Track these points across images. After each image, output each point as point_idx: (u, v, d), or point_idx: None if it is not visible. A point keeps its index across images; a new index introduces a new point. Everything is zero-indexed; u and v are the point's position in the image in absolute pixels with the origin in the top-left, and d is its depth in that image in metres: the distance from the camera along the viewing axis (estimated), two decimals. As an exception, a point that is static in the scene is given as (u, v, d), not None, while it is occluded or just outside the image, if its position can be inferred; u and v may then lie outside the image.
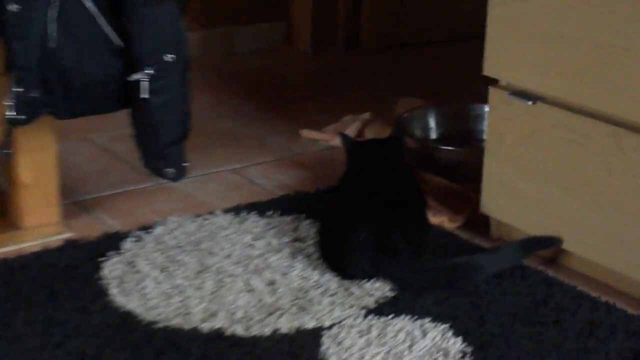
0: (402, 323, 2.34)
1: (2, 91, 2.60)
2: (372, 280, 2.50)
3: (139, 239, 2.71)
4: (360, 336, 2.29)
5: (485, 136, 2.74)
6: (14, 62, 2.48)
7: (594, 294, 2.48)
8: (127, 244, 2.68)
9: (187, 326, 2.31)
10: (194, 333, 2.29)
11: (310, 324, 2.33)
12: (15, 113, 2.53)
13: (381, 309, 2.40)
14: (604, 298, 2.46)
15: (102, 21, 2.51)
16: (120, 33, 2.55)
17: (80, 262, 2.59)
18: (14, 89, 2.50)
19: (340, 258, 2.54)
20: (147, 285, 2.48)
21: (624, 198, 2.40)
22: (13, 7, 2.42)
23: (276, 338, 2.27)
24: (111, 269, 2.56)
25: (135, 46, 2.54)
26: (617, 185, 2.41)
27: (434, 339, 2.28)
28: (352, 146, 2.85)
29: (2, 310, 2.36)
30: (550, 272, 2.57)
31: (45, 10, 2.45)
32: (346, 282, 2.50)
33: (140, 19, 2.51)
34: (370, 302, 2.43)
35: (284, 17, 4.55)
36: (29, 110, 2.54)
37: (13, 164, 2.73)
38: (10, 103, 2.52)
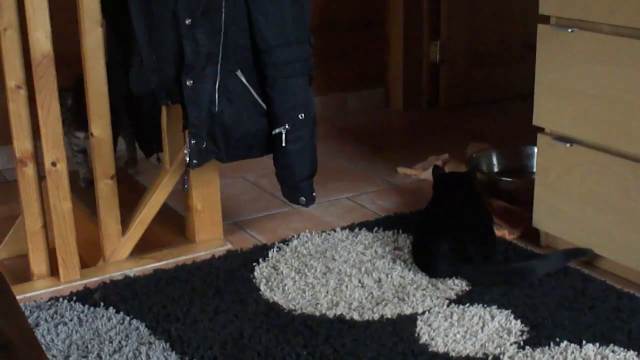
0: (476, 310, 2.32)
1: (182, 143, 2.65)
2: (452, 279, 2.49)
3: (280, 249, 2.72)
4: (445, 319, 2.28)
5: (535, 170, 2.72)
6: (190, 122, 2.51)
7: (619, 286, 2.44)
8: (272, 253, 2.69)
9: (317, 313, 2.33)
10: (322, 318, 2.30)
11: (408, 311, 2.33)
12: (190, 158, 2.57)
13: (460, 300, 2.38)
14: (626, 289, 2.42)
15: (252, 91, 2.54)
16: (264, 99, 2.57)
17: (237, 266, 2.61)
18: (190, 141, 2.54)
19: (429, 262, 2.53)
20: (287, 283, 2.50)
21: (639, 215, 2.38)
22: (189, 82, 2.46)
23: (383, 321, 2.27)
24: (260, 271, 2.58)
25: (276, 108, 2.55)
26: (634, 206, 2.38)
27: (499, 321, 2.26)
28: (438, 177, 2.84)
29: (182, 302, 2.39)
30: (586, 271, 2.53)
31: (211, 83, 2.48)
32: (433, 280, 2.49)
33: (279, 89, 2.52)
34: (451, 294, 2.42)
35: (382, 85, 4.55)
36: (200, 156, 2.57)
37: (189, 195, 2.77)
38: (187, 151, 2.56)
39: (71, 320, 2.31)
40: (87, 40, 2.45)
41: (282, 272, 2.56)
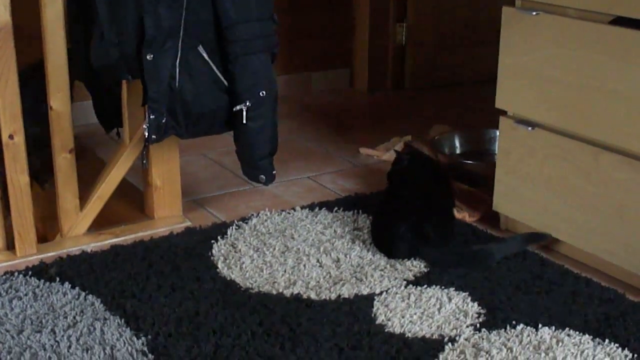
0: (433, 291, 2.33)
1: (142, 118, 2.63)
2: (410, 260, 2.49)
3: (239, 227, 2.71)
4: (402, 300, 2.28)
5: (496, 153, 2.73)
6: (149, 97, 2.48)
7: (576, 271, 2.45)
8: (231, 231, 2.68)
9: (274, 291, 2.32)
10: (279, 297, 2.29)
11: (365, 291, 2.33)
12: (149, 134, 2.55)
13: (418, 281, 2.39)
14: (584, 274, 2.43)
15: (213, 66, 2.52)
16: (225, 75, 2.55)
17: (196, 243, 2.59)
18: (149, 116, 2.52)
19: (387, 243, 2.53)
20: (244, 261, 2.49)
21: (599, 199, 2.38)
22: (150, 57, 2.43)
23: (340, 301, 2.27)
24: (219, 249, 2.57)
25: (237, 85, 2.53)
26: (594, 190, 2.39)
27: (457, 303, 2.27)
28: (400, 159, 2.84)
29: (138, 278, 2.38)
30: (545, 255, 2.54)
31: (172, 58, 2.45)
32: (392, 261, 2.49)
33: (241, 65, 2.50)
34: (409, 275, 2.42)
35: (347, 65, 4.54)
36: (160, 132, 2.55)
37: (148, 171, 2.75)
38: (146, 127, 2.54)
39: (26, 294, 2.28)
40: (47, 12, 2.41)
41: (240, 250, 2.55)
